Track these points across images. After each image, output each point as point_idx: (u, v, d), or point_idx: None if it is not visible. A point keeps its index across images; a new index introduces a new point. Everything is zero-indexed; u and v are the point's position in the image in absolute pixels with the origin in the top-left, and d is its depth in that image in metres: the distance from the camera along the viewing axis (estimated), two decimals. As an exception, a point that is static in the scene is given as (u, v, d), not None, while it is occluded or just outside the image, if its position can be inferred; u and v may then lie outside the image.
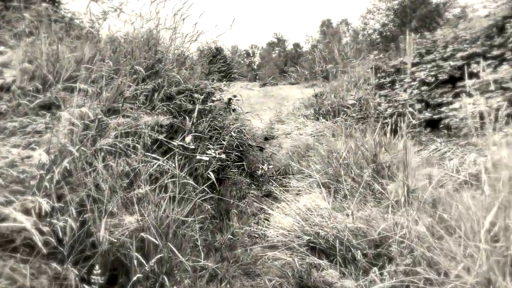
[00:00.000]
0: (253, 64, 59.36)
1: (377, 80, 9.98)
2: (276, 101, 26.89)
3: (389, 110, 8.65)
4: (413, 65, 9.80)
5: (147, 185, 3.22)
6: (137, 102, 3.90)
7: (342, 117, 8.40)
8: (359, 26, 33.94)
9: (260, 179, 6.43)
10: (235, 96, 8.84)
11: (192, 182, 3.59)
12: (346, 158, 5.17)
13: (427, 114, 7.66)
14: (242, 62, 57.95)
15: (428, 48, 9.81)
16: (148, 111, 3.91)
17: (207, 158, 3.85)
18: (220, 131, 5.69)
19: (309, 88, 23.33)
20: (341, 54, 11.00)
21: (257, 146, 6.97)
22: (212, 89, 5.91)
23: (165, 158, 3.56)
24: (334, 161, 5.48)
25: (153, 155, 3.46)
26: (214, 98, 5.64)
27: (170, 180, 3.45)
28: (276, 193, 5.70)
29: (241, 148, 6.54)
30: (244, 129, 7.21)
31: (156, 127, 3.73)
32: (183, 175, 3.60)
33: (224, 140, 5.64)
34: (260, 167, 6.93)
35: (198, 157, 3.85)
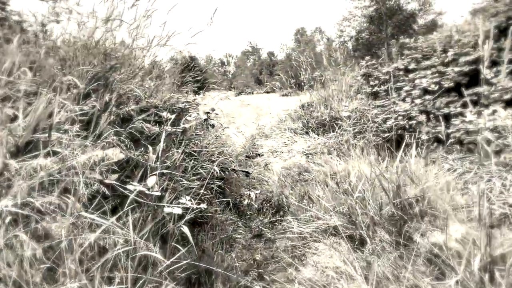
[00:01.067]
0: (228, 73, 58.30)
1: (371, 88, 8.90)
2: (254, 111, 25.69)
3: (389, 123, 7.54)
4: (409, 71, 8.77)
5: (81, 269, 1.93)
6: (73, 129, 2.59)
7: (337, 132, 7.25)
8: (335, 33, 33.26)
9: (248, 212, 5.17)
10: (213, 110, 7.58)
11: (156, 254, 2.30)
12: (361, 191, 3.97)
13: (439, 128, 6.57)
14: (217, 71, 56.83)
15: (425, 53, 8.80)
16: (90, 142, 2.61)
17: (179, 211, 2.58)
18: (197, 157, 4.42)
19: (286, 97, 22.25)
20: (330, 60, 9.90)
21: (243, 171, 5.75)
22: (186, 104, 4.63)
23: (114, 217, 2.27)
24: (343, 195, 4.29)
25: (93, 215, 2.16)
26: (189, 117, 4.37)
27: (122, 249, 2.17)
28: (267, 235, 4.48)
29: (223, 175, 5.27)
30: (227, 149, 5.96)
31: (101, 167, 2.43)
32: (142, 241, 2.32)
33: (202, 168, 4.38)
34: (246, 195, 5.68)
35: (166, 210, 2.57)
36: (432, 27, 30.11)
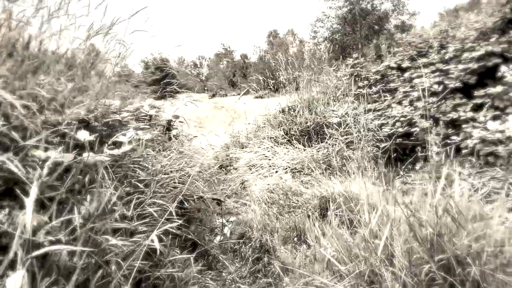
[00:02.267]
0: (201, 75, 56.66)
1: (360, 90, 7.68)
2: (227, 113, 24.32)
3: (385, 130, 6.30)
4: (402, 70, 7.58)
5: None
6: None
7: (327, 142, 5.96)
8: (309, 34, 32.16)
9: (220, 257, 3.79)
10: (177, 117, 6.16)
11: None
12: (387, 242, 2.65)
13: (455, 138, 5.37)
14: (190, 73, 55.01)
15: (419, 49, 7.63)
16: None
17: None
18: (144, 189, 3.04)
19: (261, 99, 20.94)
20: (312, 59, 8.61)
21: (214, 199, 4.39)
22: (129, 114, 3.20)
23: None
24: (352, 237, 2.98)
25: None
26: (123, 136, 2.94)
27: None
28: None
29: (186, 205, 3.89)
30: (192, 169, 4.57)
31: None
32: None
33: (153, 206, 2.99)
34: (219, 229, 4.32)
35: None
36: (405, 27, 29.50)
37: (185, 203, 3.96)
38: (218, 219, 4.72)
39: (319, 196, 4.37)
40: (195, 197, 4.04)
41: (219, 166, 7.80)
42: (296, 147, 6.39)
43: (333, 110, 6.76)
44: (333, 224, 3.46)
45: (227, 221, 4.80)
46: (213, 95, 34.14)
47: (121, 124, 2.97)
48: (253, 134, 7.77)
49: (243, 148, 7.62)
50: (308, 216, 4.15)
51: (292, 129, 7.02)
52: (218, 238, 4.12)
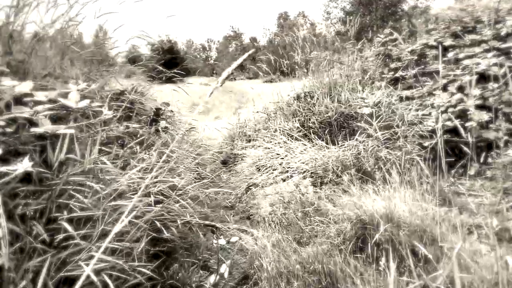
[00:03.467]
0: (209, 58, 55.19)
1: (392, 73, 6.31)
2: (236, 98, 22.91)
3: (429, 123, 4.97)
4: (445, 49, 6.18)
5: None
6: None
7: (357, 138, 4.64)
8: (322, 15, 30.35)
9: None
10: (167, 104, 4.89)
11: None
12: None
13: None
14: (198, 56, 53.57)
15: (465, 24, 6.22)
16: None
17: None
18: (93, 231, 1.80)
19: (271, 84, 19.51)
20: (335, 37, 7.17)
21: (207, 225, 3.16)
22: (45, 108, 1.94)
23: None
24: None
25: None
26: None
27: None
28: None
29: (166, 234, 2.65)
30: (180, 174, 3.35)
31: None
32: None
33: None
34: (213, 261, 3.09)
35: None
36: (420, 9, 27.75)
37: (165, 231, 2.72)
38: (214, 241, 3.49)
39: (354, 218, 3.10)
40: (179, 222, 2.78)
41: (221, 162, 6.55)
42: (315, 143, 5.09)
43: (362, 98, 5.42)
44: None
45: (228, 243, 3.56)
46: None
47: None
48: (262, 125, 6.47)
49: (249, 141, 6.34)
50: (340, 250, 2.89)
51: (310, 120, 5.70)
52: (211, 279, 2.89)
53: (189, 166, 3.81)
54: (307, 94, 6.20)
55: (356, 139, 4.58)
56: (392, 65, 6.34)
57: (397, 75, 6.12)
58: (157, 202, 2.87)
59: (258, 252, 2.91)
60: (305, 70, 7.64)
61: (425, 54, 6.29)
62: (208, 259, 3.14)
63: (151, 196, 2.72)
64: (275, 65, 7.54)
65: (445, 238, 2.98)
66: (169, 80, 7.11)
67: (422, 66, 6.09)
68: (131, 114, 4.05)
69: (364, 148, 4.38)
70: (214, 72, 45.57)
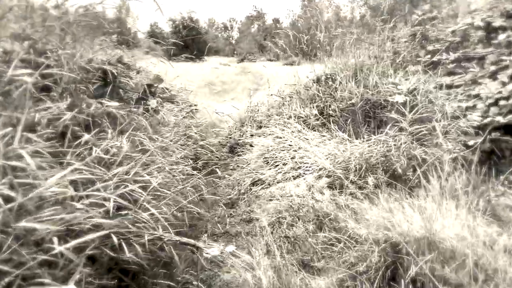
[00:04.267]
0: (231, 38, 54.07)
1: (429, 56, 5.38)
2: (254, 80, 22.04)
3: (475, 117, 4.10)
4: (492, 30, 5.24)
5: None
6: None
7: (386, 131, 3.80)
8: (348, -2, 28.81)
9: None
10: (160, 81, 4.10)
11: None
12: None
13: None
14: (220, 36, 52.43)
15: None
16: None
17: None
18: None
19: (291, 66, 18.54)
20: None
21: (184, 243, 2.41)
22: None
23: None
24: None
25: None
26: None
27: None
28: None
29: (126, 254, 1.93)
30: (157, 170, 2.61)
31: None
32: None
33: None
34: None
35: None
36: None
37: (126, 250, 2.00)
38: (205, 253, 2.77)
39: (382, 240, 2.33)
40: (146, 238, 2.06)
41: (229, 149, 5.81)
42: (335, 135, 4.27)
43: (394, 84, 4.55)
44: None
45: (221, 253, 2.83)
46: (242, 60, 31.94)
47: None
48: (275, 109, 5.66)
49: (260, 127, 5.55)
50: (362, 283, 2.13)
51: (330, 106, 4.88)
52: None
53: (176, 158, 3.05)
54: (328, 76, 5.36)
55: (386, 133, 3.75)
56: (430, 47, 5.41)
57: (434, 59, 5.20)
58: (119, 209, 2.14)
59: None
60: (328, 49, 6.74)
61: (468, 35, 5.35)
62: (190, 280, 2.42)
63: (111, 201, 1.99)
64: (296, 43, 6.68)
65: (506, 275, 2.19)
66: (189, 58, 6.46)
67: (465, 50, 5.15)
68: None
69: (394, 145, 3.55)
70: (235, 52, 44.64)
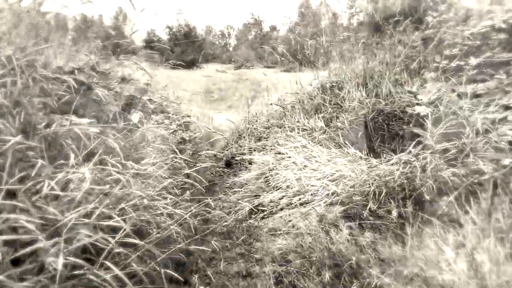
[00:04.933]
0: (228, 46, 53.73)
1: (446, 61, 4.84)
2: (252, 87, 21.51)
3: (506, 130, 3.55)
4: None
5: None
6: None
7: (410, 149, 3.23)
8: (347, 4, 28.38)
9: None
10: (144, 91, 3.53)
11: None
12: None
13: None
14: (217, 43, 52.03)
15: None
16: None
17: None
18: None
19: (289, 73, 18.02)
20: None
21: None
22: None
23: None
24: None
25: None
26: None
27: None
28: None
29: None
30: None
31: None
32: None
33: None
34: None
35: None
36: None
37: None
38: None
39: None
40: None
41: (225, 163, 5.25)
42: (346, 152, 3.71)
43: (411, 92, 4.00)
44: None
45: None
46: (239, 67, 31.50)
47: None
48: (276, 120, 5.10)
49: (260, 139, 4.99)
50: None
51: (338, 118, 4.33)
52: None
53: (158, 189, 2.46)
54: (334, 84, 4.81)
55: (408, 151, 3.18)
56: (446, 52, 4.87)
57: (453, 64, 4.67)
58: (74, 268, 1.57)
59: None
60: (332, 55, 6.20)
61: (489, 38, 4.82)
62: None
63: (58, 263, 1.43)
64: (297, 49, 6.15)
65: None
66: (185, 65, 5.97)
67: (487, 54, 4.62)
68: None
69: (419, 165, 2.99)
70: (232, 60, 44.28)
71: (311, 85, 5.20)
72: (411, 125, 3.58)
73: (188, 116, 5.59)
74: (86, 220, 1.71)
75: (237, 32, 55.63)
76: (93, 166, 2.02)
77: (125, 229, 1.73)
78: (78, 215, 1.71)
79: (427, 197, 2.89)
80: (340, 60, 5.26)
